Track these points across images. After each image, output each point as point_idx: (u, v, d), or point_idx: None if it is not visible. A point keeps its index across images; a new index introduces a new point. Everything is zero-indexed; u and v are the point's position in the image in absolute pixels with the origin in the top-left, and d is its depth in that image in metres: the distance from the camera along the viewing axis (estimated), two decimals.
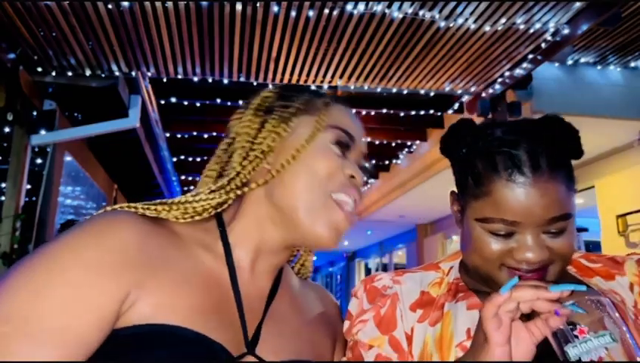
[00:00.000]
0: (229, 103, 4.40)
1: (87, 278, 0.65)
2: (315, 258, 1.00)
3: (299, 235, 0.80)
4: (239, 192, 0.81)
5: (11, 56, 3.29)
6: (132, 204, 0.77)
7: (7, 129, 3.66)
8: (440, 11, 3.00)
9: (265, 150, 0.82)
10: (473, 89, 4.07)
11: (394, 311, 0.89)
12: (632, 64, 4.21)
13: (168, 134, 5.36)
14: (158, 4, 2.87)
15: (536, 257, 0.78)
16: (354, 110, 3.92)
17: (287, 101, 0.86)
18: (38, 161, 4.18)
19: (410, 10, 2.99)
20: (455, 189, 0.94)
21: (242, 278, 0.80)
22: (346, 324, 0.93)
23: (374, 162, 6.49)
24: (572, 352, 0.62)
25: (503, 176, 0.80)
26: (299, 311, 0.88)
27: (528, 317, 0.69)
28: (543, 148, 0.81)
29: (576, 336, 0.62)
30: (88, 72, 3.63)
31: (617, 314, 0.64)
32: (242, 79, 3.79)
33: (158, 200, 0.80)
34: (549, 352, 0.68)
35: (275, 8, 2.95)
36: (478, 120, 4.12)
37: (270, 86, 0.93)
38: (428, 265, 0.98)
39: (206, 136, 5.43)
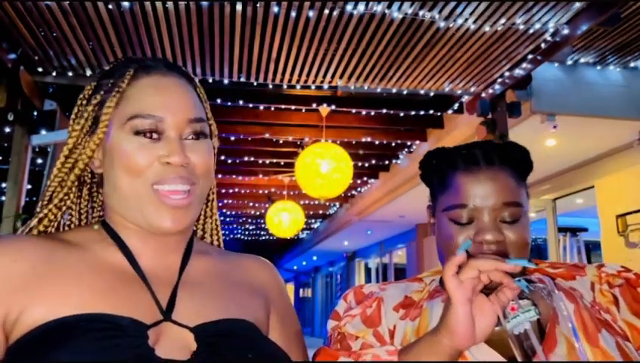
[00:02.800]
0: (229, 104, 4.40)
1: None
2: (218, 220, 0.98)
3: (140, 225, 0.79)
4: (63, 206, 0.83)
5: (12, 56, 3.29)
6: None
7: (7, 129, 3.67)
8: (440, 11, 3.00)
9: (88, 157, 0.82)
10: (473, 89, 4.07)
11: (379, 311, 0.99)
12: (632, 64, 4.21)
13: None
14: (158, 4, 2.87)
15: (493, 237, 0.90)
16: (354, 110, 3.87)
17: (96, 96, 0.82)
18: (39, 161, 4.19)
19: (410, 11, 3.00)
20: (427, 207, 1.09)
21: (144, 259, 0.80)
22: (332, 322, 1.03)
23: (374, 162, 6.49)
24: (507, 326, 0.76)
25: (461, 168, 0.96)
26: (219, 277, 0.86)
27: (488, 293, 0.80)
28: (494, 149, 0.98)
29: (510, 313, 0.76)
30: (88, 73, 3.63)
31: (561, 300, 0.77)
32: (242, 79, 3.79)
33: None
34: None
35: (275, 9, 2.96)
36: (478, 120, 4.09)
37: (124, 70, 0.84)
38: (412, 278, 1.11)
39: None
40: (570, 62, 4.15)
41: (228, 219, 10.71)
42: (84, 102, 0.83)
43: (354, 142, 5.64)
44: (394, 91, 4.09)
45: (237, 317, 0.79)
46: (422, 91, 4.09)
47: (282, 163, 6.34)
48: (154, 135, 0.78)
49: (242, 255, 0.97)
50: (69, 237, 0.80)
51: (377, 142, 5.68)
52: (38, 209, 0.82)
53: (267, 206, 7.56)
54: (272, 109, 4.68)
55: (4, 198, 3.59)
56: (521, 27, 3.17)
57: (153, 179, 0.77)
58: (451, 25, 3.13)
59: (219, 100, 4.31)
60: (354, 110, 4.78)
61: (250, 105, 4.42)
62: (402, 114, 4.94)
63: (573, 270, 0.99)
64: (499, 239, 0.90)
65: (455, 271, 0.78)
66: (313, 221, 11.51)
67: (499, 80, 3.87)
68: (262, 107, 4.60)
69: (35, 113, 3.74)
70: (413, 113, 4.72)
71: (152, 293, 0.75)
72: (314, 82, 3.90)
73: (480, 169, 0.94)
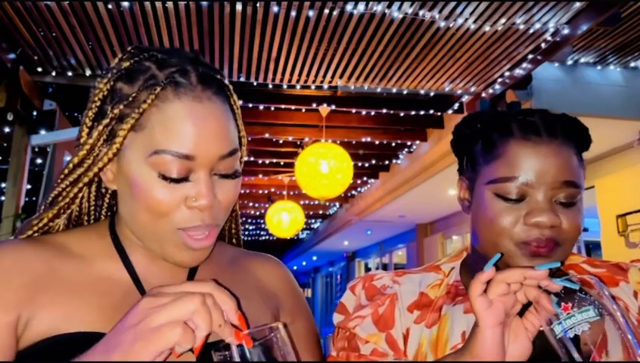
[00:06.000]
0: None
1: None
2: (239, 228, 0.95)
3: (158, 255, 0.76)
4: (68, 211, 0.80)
5: (11, 56, 3.29)
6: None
7: (7, 129, 3.67)
8: (440, 11, 3.00)
9: (101, 167, 0.73)
10: (473, 89, 4.07)
11: (392, 310, 0.88)
12: (632, 64, 4.21)
13: None
14: (158, 4, 2.87)
15: (549, 220, 0.76)
16: (354, 110, 3.87)
17: (116, 107, 0.71)
18: (39, 161, 4.19)
19: (410, 10, 2.99)
20: (459, 179, 0.94)
21: (149, 276, 0.77)
22: (338, 316, 0.93)
23: (374, 162, 6.49)
24: (557, 328, 0.62)
25: (518, 136, 0.81)
26: (228, 287, 0.84)
27: (522, 314, 0.68)
28: (556, 120, 0.83)
29: (562, 313, 0.62)
30: (88, 72, 3.63)
31: (607, 293, 0.63)
32: (242, 79, 3.79)
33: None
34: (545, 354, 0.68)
35: (275, 8, 2.96)
36: None
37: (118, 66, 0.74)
38: (429, 266, 0.97)
39: None
40: (570, 62, 4.14)
41: None
42: (97, 104, 0.74)
43: (354, 142, 5.64)
44: (394, 91, 4.09)
45: None
46: (422, 91, 4.09)
47: (282, 163, 6.34)
48: (182, 175, 0.69)
49: (252, 256, 0.93)
50: (74, 244, 0.77)
51: (377, 142, 5.67)
52: (41, 209, 0.80)
53: (267, 206, 7.55)
54: (272, 109, 4.68)
55: (3, 198, 3.58)
56: (521, 27, 3.16)
57: (177, 224, 0.71)
58: (451, 25, 3.13)
59: None
60: (354, 110, 4.78)
61: (250, 105, 4.42)
62: (402, 114, 4.94)
63: (616, 272, 0.87)
64: (556, 223, 0.76)
65: (481, 290, 0.66)
66: (313, 221, 11.51)
67: (499, 80, 3.87)
68: (262, 107, 4.60)
69: (35, 113, 3.74)
70: (413, 113, 4.71)
71: None
72: (314, 82, 3.89)
73: (542, 139, 0.80)
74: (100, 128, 0.72)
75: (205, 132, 0.69)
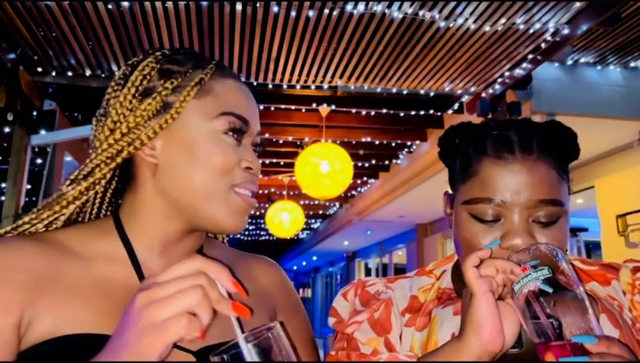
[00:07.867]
0: None
1: None
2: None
3: (203, 223, 0.78)
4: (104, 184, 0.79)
5: (11, 56, 3.29)
6: (7, 228, 0.77)
7: (7, 129, 3.67)
8: (440, 11, 3.00)
9: (145, 141, 0.76)
10: (473, 89, 4.07)
11: (389, 315, 0.87)
12: (632, 64, 4.21)
13: None
14: (158, 4, 2.87)
15: (523, 243, 0.74)
16: (354, 110, 3.87)
17: (170, 81, 0.77)
18: (39, 161, 4.19)
19: (410, 10, 2.99)
20: (444, 194, 0.94)
21: (152, 273, 0.76)
22: (332, 319, 0.94)
23: (374, 162, 6.49)
24: (516, 287, 0.69)
25: (491, 155, 0.79)
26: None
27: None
28: (534, 133, 0.80)
29: (521, 274, 0.69)
30: (88, 73, 3.63)
31: (564, 259, 0.69)
32: (242, 79, 3.78)
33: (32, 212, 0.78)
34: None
35: (275, 8, 2.96)
36: (478, 120, 4.10)
37: (152, 57, 0.80)
38: (420, 270, 0.97)
39: None
40: (570, 62, 4.14)
41: None
42: (142, 83, 0.77)
43: (354, 142, 5.64)
44: (394, 91, 4.09)
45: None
46: (422, 91, 4.09)
47: (282, 163, 6.34)
48: (240, 137, 0.79)
49: (248, 257, 0.94)
50: (76, 243, 0.76)
51: (377, 142, 5.67)
52: (68, 183, 0.78)
53: (267, 206, 7.55)
54: (272, 109, 4.68)
55: (3, 198, 3.58)
56: (521, 27, 3.16)
57: (234, 181, 0.77)
58: (451, 25, 3.13)
59: None
60: (354, 110, 4.78)
61: None
62: (402, 114, 4.94)
63: (608, 271, 0.86)
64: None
65: (476, 263, 0.70)
66: (313, 221, 11.51)
67: (499, 80, 3.87)
68: (261, 107, 4.60)
69: (35, 113, 3.74)
70: (413, 113, 4.71)
71: None
72: (314, 82, 3.89)
73: (515, 157, 0.77)
74: (151, 101, 0.76)
75: (253, 107, 0.84)
